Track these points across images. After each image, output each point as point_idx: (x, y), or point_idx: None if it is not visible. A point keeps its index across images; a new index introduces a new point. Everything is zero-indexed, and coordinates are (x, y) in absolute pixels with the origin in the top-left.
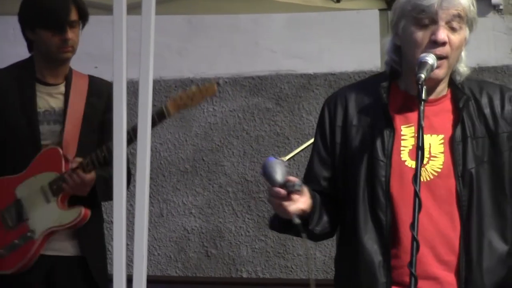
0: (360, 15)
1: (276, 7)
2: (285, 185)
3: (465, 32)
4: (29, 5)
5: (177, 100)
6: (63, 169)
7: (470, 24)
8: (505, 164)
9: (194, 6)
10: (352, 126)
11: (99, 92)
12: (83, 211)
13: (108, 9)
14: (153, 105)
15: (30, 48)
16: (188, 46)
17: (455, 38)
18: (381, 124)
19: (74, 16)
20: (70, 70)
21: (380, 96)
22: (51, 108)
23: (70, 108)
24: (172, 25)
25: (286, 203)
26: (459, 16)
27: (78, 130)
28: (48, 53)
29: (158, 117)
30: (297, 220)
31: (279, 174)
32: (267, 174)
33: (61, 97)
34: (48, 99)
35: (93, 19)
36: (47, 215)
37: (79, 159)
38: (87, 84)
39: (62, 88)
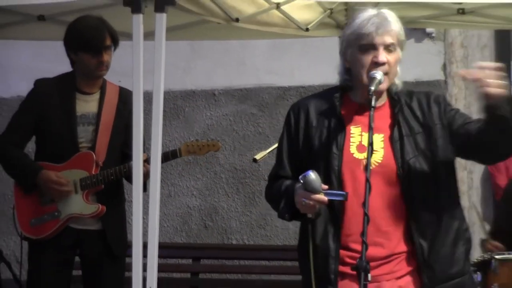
0: (324, 41)
1: (259, 35)
2: (320, 192)
3: (398, 52)
4: (73, 33)
5: (190, 146)
6: (93, 172)
7: (401, 45)
8: (439, 149)
9: (195, 33)
10: (312, 127)
11: (126, 101)
12: (100, 208)
13: (129, 36)
14: (164, 111)
15: (72, 65)
16: (191, 65)
17: (392, 58)
18: (335, 125)
19: (108, 42)
20: (104, 81)
21: (334, 104)
22: (87, 113)
23: (103, 112)
24: (178, 49)
25: (316, 206)
26: (393, 40)
27: (109, 131)
28: (88, 71)
29: (172, 155)
30: (310, 215)
31: (318, 182)
32: (310, 183)
33: (96, 104)
34: (84, 105)
35: (120, 44)
36: (73, 203)
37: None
38: (118, 94)
39: (97, 96)
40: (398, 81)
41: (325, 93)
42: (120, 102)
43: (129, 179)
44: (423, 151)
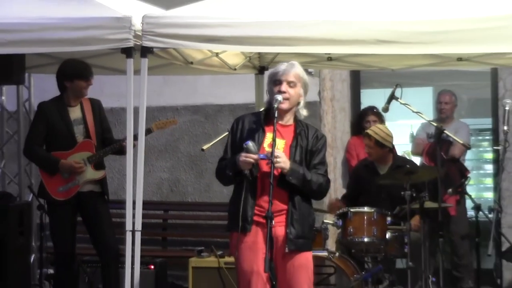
0: (246, 76)
1: (205, 72)
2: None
3: (299, 89)
4: (69, 68)
5: (157, 124)
6: (94, 151)
7: (303, 85)
8: (312, 163)
9: (166, 71)
10: (246, 130)
11: (95, 105)
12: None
13: (124, 72)
14: (146, 119)
15: (60, 90)
16: (162, 90)
17: (292, 90)
18: (259, 131)
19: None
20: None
21: (261, 118)
22: (77, 118)
23: (86, 116)
24: (155, 80)
25: (252, 162)
26: (293, 79)
27: (93, 127)
28: (80, 91)
29: (147, 132)
30: (246, 172)
31: (254, 149)
32: (249, 148)
33: (79, 111)
34: (73, 113)
35: (118, 77)
36: (86, 173)
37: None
38: (90, 104)
39: (79, 107)
40: (302, 110)
41: (257, 112)
42: (93, 107)
43: (119, 153)
44: (304, 158)
